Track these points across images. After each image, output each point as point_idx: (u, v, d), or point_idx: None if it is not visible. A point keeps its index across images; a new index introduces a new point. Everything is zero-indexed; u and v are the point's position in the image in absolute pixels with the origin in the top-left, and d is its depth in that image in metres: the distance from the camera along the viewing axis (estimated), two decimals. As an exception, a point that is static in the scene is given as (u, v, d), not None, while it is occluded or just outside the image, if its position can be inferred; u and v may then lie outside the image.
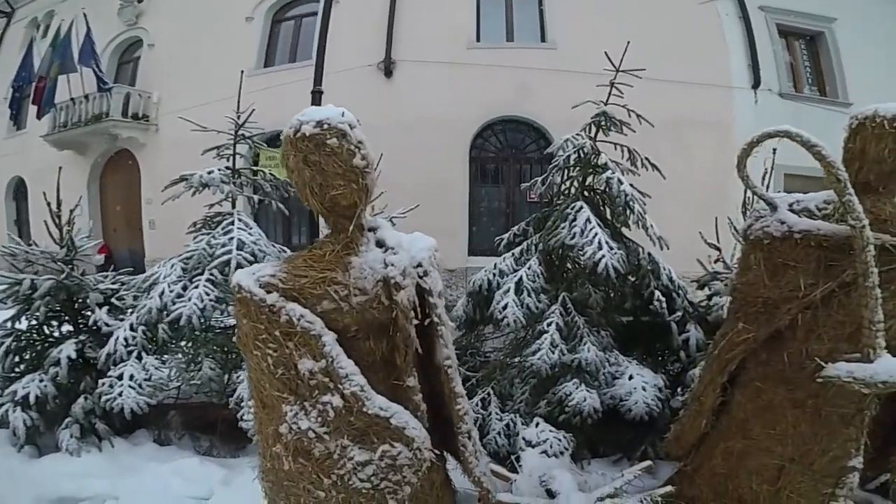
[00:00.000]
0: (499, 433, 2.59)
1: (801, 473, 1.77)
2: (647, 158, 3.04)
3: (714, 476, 2.01)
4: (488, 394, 2.76)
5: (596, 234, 2.62)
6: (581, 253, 2.57)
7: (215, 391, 2.71)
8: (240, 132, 3.24)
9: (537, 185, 3.26)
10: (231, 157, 3.21)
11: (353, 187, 1.48)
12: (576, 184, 3.07)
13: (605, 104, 3.07)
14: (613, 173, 2.84)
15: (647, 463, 2.28)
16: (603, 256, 2.52)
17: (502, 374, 2.81)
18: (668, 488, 2.12)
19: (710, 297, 3.05)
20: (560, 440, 2.36)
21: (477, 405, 2.74)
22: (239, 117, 3.25)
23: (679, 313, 2.78)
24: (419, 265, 1.61)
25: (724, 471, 1.96)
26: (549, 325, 2.62)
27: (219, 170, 3.09)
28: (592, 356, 2.50)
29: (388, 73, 8.65)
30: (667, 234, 2.90)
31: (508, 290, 2.76)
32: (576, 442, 2.45)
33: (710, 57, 8.45)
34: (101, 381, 2.75)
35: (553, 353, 2.52)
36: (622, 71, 3.04)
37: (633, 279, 2.90)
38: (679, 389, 2.67)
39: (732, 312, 1.95)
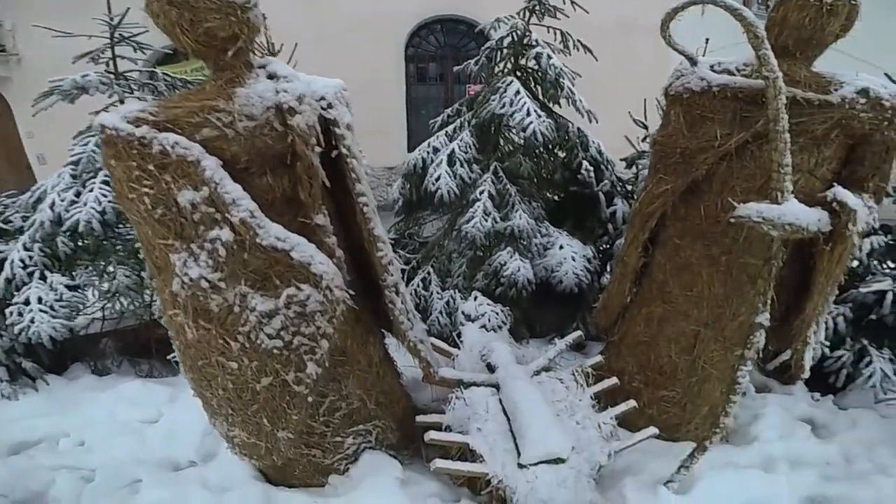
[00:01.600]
0: (440, 312, 2.71)
1: (714, 340, 1.97)
2: (579, 41, 2.99)
3: (637, 345, 2.19)
4: (428, 273, 2.83)
5: (525, 103, 2.60)
6: (510, 120, 2.53)
7: (137, 306, 2.55)
8: (118, 34, 2.74)
9: (470, 66, 3.19)
10: (111, 62, 2.76)
11: (232, 20, 1.34)
12: (508, 64, 3.01)
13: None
14: (543, 49, 2.82)
15: (578, 333, 2.42)
16: (531, 122, 2.52)
17: (440, 251, 2.86)
18: (598, 358, 2.30)
19: (636, 175, 3.16)
20: (498, 314, 2.49)
21: (418, 286, 2.82)
22: (112, 19, 2.75)
23: (607, 184, 2.88)
24: (322, 98, 1.48)
25: (646, 339, 2.15)
26: (481, 192, 2.64)
27: (96, 72, 2.67)
28: (524, 223, 2.58)
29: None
30: (607, 122, 2.91)
31: (441, 163, 2.73)
32: (513, 317, 2.60)
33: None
34: (7, 311, 2.51)
35: (486, 220, 2.56)
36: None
37: (563, 155, 2.93)
38: (608, 266, 2.85)
39: (652, 166, 2.01)
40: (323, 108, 1.48)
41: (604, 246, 2.92)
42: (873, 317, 2.52)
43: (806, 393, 2.56)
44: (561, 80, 2.74)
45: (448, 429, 2.09)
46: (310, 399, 1.73)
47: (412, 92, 8.42)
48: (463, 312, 2.51)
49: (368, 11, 7.72)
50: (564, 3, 3.01)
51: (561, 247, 2.66)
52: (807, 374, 1.96)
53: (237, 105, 1.36)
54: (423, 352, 1.93)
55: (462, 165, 2.72)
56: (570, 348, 2.42)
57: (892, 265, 2.69)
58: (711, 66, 1.84)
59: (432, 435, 1.95)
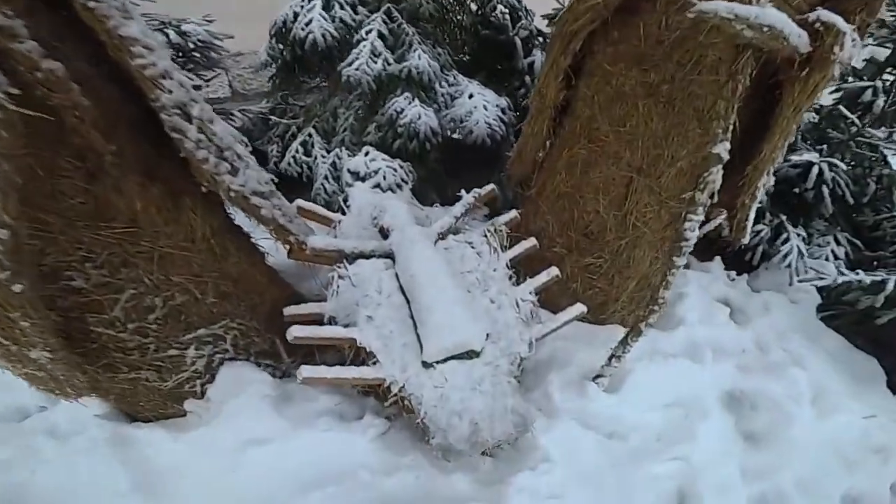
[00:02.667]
0: (326, 178, 2.18)
1: (649, 191, 1.66)
2: None
3: (559, 199, 1.84)
4: (309, 135, 2.27)
5: None
6: None
7: None
8: None
9: None
10: None
11: None
12: None
13: None
14: None
15: (490, 186, 2.01)
16: None
17: (323, 107, 2.30)
18: (513, 214, 1.93)
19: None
20: (396, 170, 1.98)
21: (297, 152, 2.27)
22: None
23: (524, 31, 2.42)
24: None
25: (568, 189, 1.80)
26: (367, 32, 2.09)
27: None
28: (425, 64, 2.06)
29: None
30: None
31: (314, 7, 2.15)
32: (416, 176, 2.11)
33: None
34: None
35: (376, 61, 2.03)
36: None
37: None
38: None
39: None
40: None
41: (521, 100, 2.51)
42: (796, 190, 2.42)
43: (722, 271, 2.45)
44: None
45: (333, 321, 1.61)
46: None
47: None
48: (349, 170, 1.97)
49: None
50: None
51: (471, 95, 2.21)
52: (748, 237, 1.76)
53: None
54: (267, 210, 1.38)
55: (343, 7, 2.15)
56: (487, 217, 2.00)
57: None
58: None
59: (295, 332, 1.47)
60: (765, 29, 1.20)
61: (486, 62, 2.54)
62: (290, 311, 1.62)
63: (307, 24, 2.13)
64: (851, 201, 2.43)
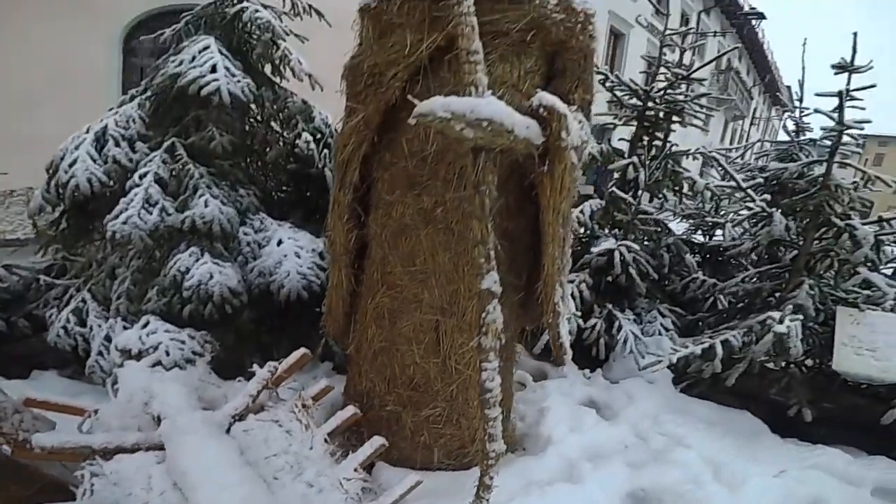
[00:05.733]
0: (100, 353, 1.74)
1: (459, 331, 1.56)
2: (310, 5, 2.53)
3: (376, 355, 1.68)
4: (83, 301, 1.86)
5: (211, 58, 1.89)
6: (184, 79, 1.78)
7: None
8: None
9: (166, 34, 2.40)
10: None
11: None
12: (207, 23, 2.30)
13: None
14: (250, 4, 2.20)
15: (302, 351, 1.70)
16: (215, 80, 1.80)
17: (100, 266, 1.92)
18: (323, 383, 1.67)
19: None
20: (184, 343, 1.62)
21: (68, 321, 1.83)
22: None
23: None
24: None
25: (382, 343, 1.65)
26: (142, 177, 1.80)
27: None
28: (213, 212, 1.78)
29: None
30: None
31: (82, 143, 1.86)
32: (221, 345, 1.78)
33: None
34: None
35: (151, 212, 1.73)
36: None
37: (280, 130, 2.32)
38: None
39: (346, 100, 1.54)
40: None
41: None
42: (609, 279, 2.57)
43: (577, 372, 2.46)
44: (276, 39, 2.18)
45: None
46: None
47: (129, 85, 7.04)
48: (117, 348, 1.57)
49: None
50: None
51: (280, 242, 1.95)
52: (569, 354, 1.68)
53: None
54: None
55: (118, 145, 1.86)
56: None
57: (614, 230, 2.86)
58: None
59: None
60: (485, 125, 1.12)
61: (302, 198, 2.38)
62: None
63: (70, 166, 1.81)
64: (656, 276, 2.66)
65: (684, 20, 16.93)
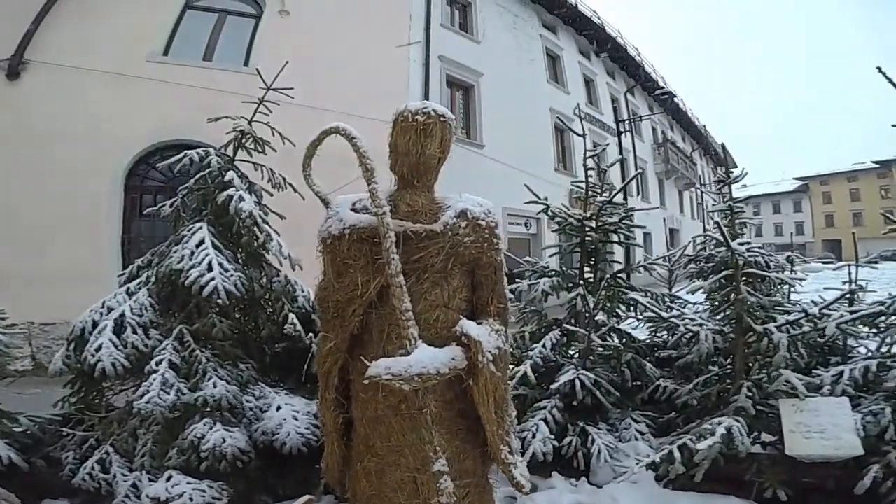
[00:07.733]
0: (128, 496, 2.10)
1: (433, 482, 1.76)
2: (283, 177, 2.93)
3: (369, 500, 1.92)
4: (106, 453, 2.25)
5: (207, 255, 2.32)
6: (187, 277, 2.18)
7: None
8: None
9: (165, 208, 2.84)
10: None
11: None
12: (202, 206, 2.75)
13: (250, 122, 2.91)
14: (236, 191, 2.63)
15: (307, 497, 2.10)
16: (212, 279, 2.22)
17: (122, 426, 2.33)
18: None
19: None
20: (204, 492, 2.02)
21: (95, 470, 2.21)
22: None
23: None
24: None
25: (373, 492, 1.89)
26: (158, 363, 2.23)
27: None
28: (221, 391, 2.21)
29: (14, 74, 7.04)
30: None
31: (105, 329, 2.27)
32: (234, 491, 2.14)
33: (395, 98, 9.23)
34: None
35: (169, 392, 2.15)
36: (273, 89, 3.00)
37: (269, 307, 2.73)
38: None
39: (321, 330, 1.86)
40: None
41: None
42: (575, 403, 2.79)
43: (564, 481, 2.65)
44: (260, 224, 2.58)
45: None
46: None
47: (134, 228, 7.41)
48: (148, 497, 1.98)
49: (83, 131, 6.82)
50: (273, 136, 2.96)
51: (279, 407, 2.36)
52: (528, 489, 1.89)
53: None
54: None
55: (136, 332, 2.30)
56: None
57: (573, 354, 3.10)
58: (353, 204, 1.73)
59: None
60: (416, 379, 1.40)
61: (296, 366, 2.72)
62: None
63: (97, 350, 2.20)
64: (618, 394, 2.87)
65: (614, 102, 18.22)
